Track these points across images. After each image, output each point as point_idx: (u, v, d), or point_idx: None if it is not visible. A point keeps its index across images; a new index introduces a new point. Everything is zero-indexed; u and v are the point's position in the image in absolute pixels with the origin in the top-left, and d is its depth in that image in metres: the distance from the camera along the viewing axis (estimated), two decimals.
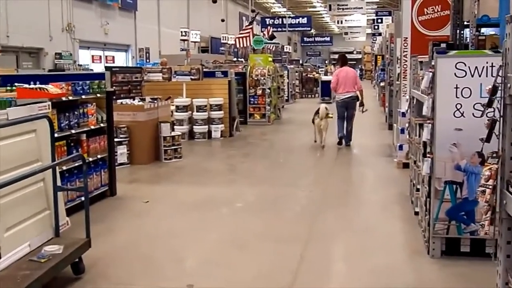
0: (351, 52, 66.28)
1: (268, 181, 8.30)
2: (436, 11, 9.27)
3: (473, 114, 4.53)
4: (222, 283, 4.48)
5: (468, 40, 7.76)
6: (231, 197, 7.30)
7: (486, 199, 2.37)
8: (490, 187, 2.36)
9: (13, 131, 4.19)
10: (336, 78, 11.38)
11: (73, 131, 6.36)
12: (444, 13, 9.18)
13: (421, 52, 7.43)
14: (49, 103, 5.10)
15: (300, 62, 45.31)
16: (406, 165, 8.21)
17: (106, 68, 13.98)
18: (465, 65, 4.53)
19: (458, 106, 4.56)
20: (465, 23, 7.79)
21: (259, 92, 15.67)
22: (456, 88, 4.55)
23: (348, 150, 11.37)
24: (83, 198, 6.10)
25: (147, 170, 9.03)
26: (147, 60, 24.79)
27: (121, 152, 8.97)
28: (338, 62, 12.86)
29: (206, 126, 12.48)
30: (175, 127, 10.97)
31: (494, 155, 2.40)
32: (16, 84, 6.21)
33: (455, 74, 4.55)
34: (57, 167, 4.72)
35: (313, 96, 27.61)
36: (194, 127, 12.43)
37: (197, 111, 12.38)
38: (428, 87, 4.79)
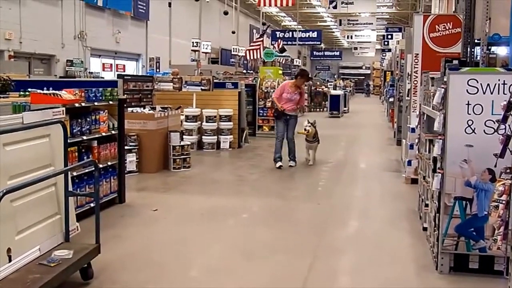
0: (360, 67, 66.55)
1: (277, 193, 8.31)
2: (447, 28, 9.31)
3: (484, 131, 4.56)
4: None
5: (478, 58, 7.78)
6: (239, 208, 7.32)
7: (499, 214, 2.38)
8: (504, 202, 2.37)
9: (27, 135, 4.24)
10: None
11: (84, 137, 6.40)
12: (455, 30, 9.22)
13: (432, 68, 7.46)
14: (63, 108, 5.14)
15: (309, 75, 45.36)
16: (414, 181, 8.21)
17: (119, 76, 14.09)
18: (477, 82, 4.56)
19: (470, 123, 4.58)
20: (476, 41, 7.82)
21: (269, 104, 15.71)
22: (468, 104, 4.57)
23: (356, 165, 11.39)
24: (92, 204, 6.18)
25: (155, 178, 9.06)
26: (157, 70, 24.94)
27: (130, 160, 9.01)
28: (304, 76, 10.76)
29: (215, 137, 12.51)
30: (184, 136, 11.01)
31: (508, 170, 2.41)
32: (29, 89, 6.26)
33: (467, 90, 4.57)
34: (69, 173, 4.76)
35: (321, 110, 27.64)
36: (203, 137, 12.47)
37: (206, 122, 12.43)
38: (440, 103, 4.81)
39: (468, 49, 7.57)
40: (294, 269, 4.99)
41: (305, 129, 10.62)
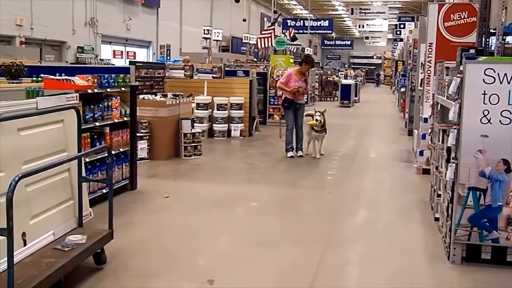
0: (371, 57, 66.19)
1: (287, 182, 8.30)
2: (462, 17, 9.23)
3: (500, 121, 4.52)
4: (241, 279, 4.49)
5: (493, 48, 7.72)
6: (250, 196, 7.32)
7: None
8: None
9: (41, 120, 4.23)
10: None
11: (97, 124, 6.39)
12: (470, 19, 9.13)
13: (446, 58, 7.40)
14: (77, 94, 5.14)
15: (320, 64, 45.31)
16: (426, 171, 8.17)
17: (131, 62, 14.09)
18: (494, 71, 4.51)
19: (485, 113, 4.54)
20: (492, 30, 7.75)
21: (280, 92, 15.65)
22: (484, 94, 4.53)
23: (367, 155, 11.35)
24: (104, 191, 6.21)
25: (166, 165, 9.08)
26: (168, 57, 24.93)
27: (142, 147, 9.01)
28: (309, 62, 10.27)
29: (226, 125, 12.52)
30: (195, 124, 11.01)
31: None
32: (42, 75, 6.27)
33: (483, 80, 4.53)
34: (82, 158, 4.77)
35: (332, 99, 27.56)
36: (214, 125, 12.48)
37: (217, 110, 12.43)
38: (455, 93, 4.77)
39: (483, 39, 7.52)
40: (304, 259, 4.97)
41: (316, 120, 9.94)
